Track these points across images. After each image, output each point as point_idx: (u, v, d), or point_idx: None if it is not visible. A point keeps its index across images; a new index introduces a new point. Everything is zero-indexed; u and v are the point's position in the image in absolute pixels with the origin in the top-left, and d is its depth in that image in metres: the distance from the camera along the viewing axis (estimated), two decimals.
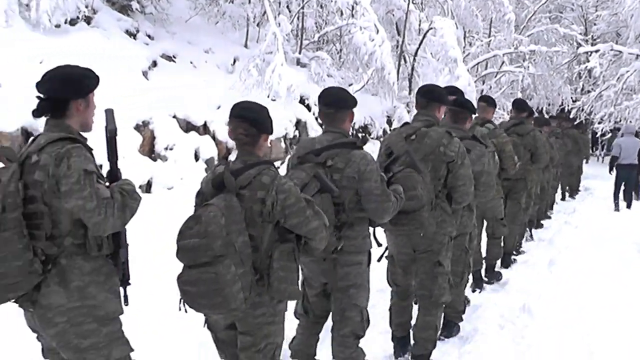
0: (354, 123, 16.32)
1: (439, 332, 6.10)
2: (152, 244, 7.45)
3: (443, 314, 6.10)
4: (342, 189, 4.54)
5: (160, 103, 12.08)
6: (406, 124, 5.85)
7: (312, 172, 4.43)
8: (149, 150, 11.67)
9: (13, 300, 3.45)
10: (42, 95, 3.55)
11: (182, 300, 3.77)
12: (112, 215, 3.41)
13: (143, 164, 11.06)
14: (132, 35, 13.78)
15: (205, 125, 12.84)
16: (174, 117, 12.41)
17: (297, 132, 14.85)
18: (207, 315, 4.04)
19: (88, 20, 12.99)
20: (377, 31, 15.98)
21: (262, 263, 3.81)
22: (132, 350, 3.68)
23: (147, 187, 10.86)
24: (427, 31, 18.88)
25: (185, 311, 3.81)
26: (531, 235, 11.91)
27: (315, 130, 15.16)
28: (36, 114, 3.56)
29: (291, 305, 4.46)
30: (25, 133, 9.88)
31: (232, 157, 5.05)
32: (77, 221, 3.44)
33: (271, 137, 10.47)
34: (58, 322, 3.46)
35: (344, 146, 4.65)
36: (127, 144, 10.97)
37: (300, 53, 17.22)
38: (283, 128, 14.17)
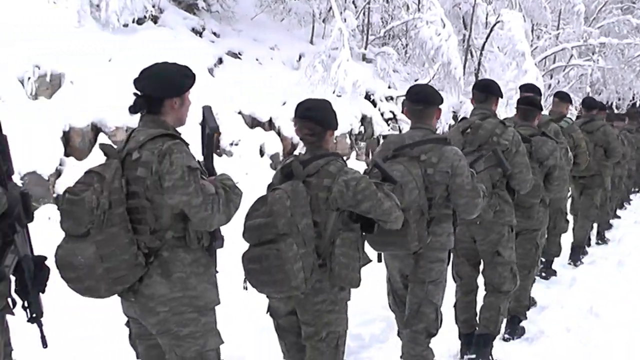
0: None
1: (504, 327, 6.05)
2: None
3: (507, 308, 6.00)
4: (433, 184, 4.65)
5: (225, 99, 12.20)
6: (464, 119, 5.95)
7: (410, 165, 4.60)
8: (215, 145, 11.80)
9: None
10: (138, 92, 3.62)
11: (245, 279, 3.93)
12: (218, 211, 3.49)
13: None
14: (198, 33, 13.95)
15: (270, 121, 12.93)
16: (240, 113, 12.52)
17: (362, 128, 14.81)
18: (270, 298, 4.12)
19: (155, 20, 13.20)
20: (444, 25, 15.84)
21: (325, 249, 3.92)
22: (222, 342, 3.75)
23: None
24: (495, 24, 18.61)
25: (245, 288, 3.96)
26: (603, 238, 11.50)
27: (380, 125, 15.11)
28: (132, 110, 3.62)
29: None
30: (95, 128, 10.14)
31: (298, 152, 5.11)
32: (177, 215, 3.51)
33: (336, 133, 10.53)
34: (160, 311, 3.55)
35: (436, 142, 4.74)
36: (192, 139, 11.11)
37: (365, 48, 17.18)
38: (348, 124, 14.14)
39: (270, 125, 12.94)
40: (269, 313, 4.22)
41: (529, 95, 6.54)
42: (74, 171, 8.34)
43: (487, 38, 19.11)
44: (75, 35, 11.19)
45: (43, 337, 3.41)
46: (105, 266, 3.38)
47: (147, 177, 3.45)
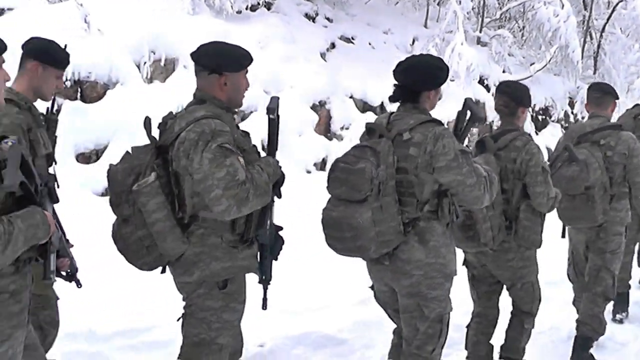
0: (534, 104, 15.85)
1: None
2: None
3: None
4: (613, 165, 5.41)
5: (337, 84, 12.27)
6: (637, 105, 6.66)
7: (592, 149, 5.35)
8: (325, 129, 11.91)
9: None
10: (397, 83, 4.01)
11: None
12: (487, 191, 3.97)
13: (318, 143, 11.30)
14: (312, 18, 14.05)
15: (382, 105, 12.91)
16: (351, 97, 12.56)
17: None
18: (465, 252, 4.81)
19: (268, 6, 13.39)
20: (563, 6, 15.45)
21: (512, 213, 4.60)
22: (452, 309, 4.12)
23: (322, 165, 11.14)
24: (617, 4, 17.98)
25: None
26: None
27: (493, 111, 14.81)
28: (392, 99, 4.06)
29: None
30: None
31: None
32: (435, 191, 3.90)
33: (448, 118, 10.46)
34: (414, 274, 3.92)
35: (613, 128, 5.49)
36: (303, 123, 11.27)
37: (480, 31, 16.86)
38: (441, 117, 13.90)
39: (381, 109, 12.92)
40: (464, 265, 4.88)
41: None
42: None
43: (608, 19, 18.46)
44: (189, 22, 11.54)
45: (265, 300, 3.83)
46: (376, 230, 3.78)
47: (419, 156, 3.81)
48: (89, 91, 10.14)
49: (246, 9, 12.82)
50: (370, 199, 3.74)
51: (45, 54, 4.01)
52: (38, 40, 4.11)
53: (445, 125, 4.02)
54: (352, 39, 14.34)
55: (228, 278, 3.62)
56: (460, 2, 14.48)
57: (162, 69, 10.70)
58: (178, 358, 3.75)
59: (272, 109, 3.75)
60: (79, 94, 10.17)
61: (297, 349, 5.45)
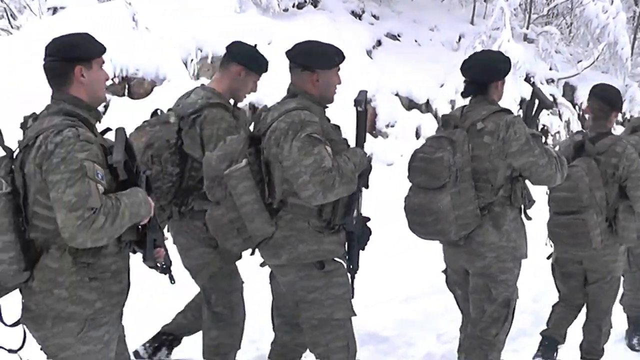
0: (581, 102, 15.65)
1: None
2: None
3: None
4: None
5: (383, 81, 12.27)
6: None
7: None
8: (370, 126, 11.91)
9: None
10: (466, 79, 4.37)
11: (547, 243, 5.07)
12: (559, 171, 4.22)
13: None
14: (358, 16, 14.05)
15: (427, 103, 12.89)
16: (397, 94, 12.55)
17: (520, 112, 14.44)
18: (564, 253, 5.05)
19: (315, 4, 13.44)
20: (612, 2, 15.19)
21: (609, 214, 4.85)
22: (518, 297, 4.42)
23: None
24: None
25: (551, 245, 5.07)
26: None
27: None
28: (465, 95, 4.40)
29: None
30: (253, 107, 10.52)
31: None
32: (507, 177, 4.21)
33: None
34: (487, 256, 4.23)
35: None
36: (348, 120, 11.27)
37: (527, 28, 16.67)
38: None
39: (427, 107, 12.90)
40: (554, 262, 5.17)
41: None
42: None
43: None
44: (236, 19, 11.62)
45: (352, 289, 3.97)
46: (455, 213, 4.10)
47: (493, 143, 4.13)
48: (137, 88, 10.30)
49: (293, 6, 12.90)
50: (448, 185, 4.08)
51: (250, 60, 4.37)
52: (243, 45, 4.42)
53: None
54: (398, 36, 14.32)
55: (323, 260, 3.81)
56: None
57: (209, 66, 10.80)
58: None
59: (360, 101, 3.94)
60: (126, 91, 10.33)
61: None
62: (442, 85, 13.04)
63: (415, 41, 14.51)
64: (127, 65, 10.13)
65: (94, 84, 3.16)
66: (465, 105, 4.40)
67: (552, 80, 15.70)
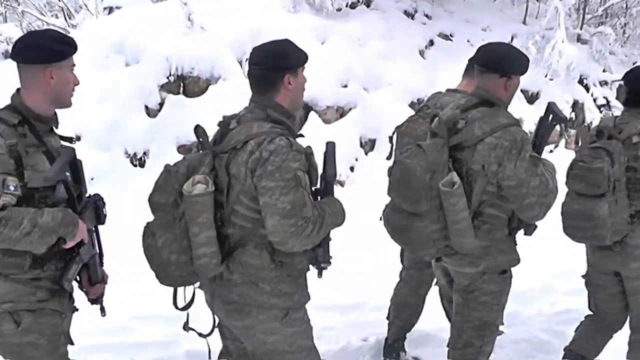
0: None
1: None
2: None
3: None
4: None
5: (435, 81, 12.21)
6: None
7: None
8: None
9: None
10: (628, 89, 4.52)
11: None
12: None
13: None
14: (410, 15, 14.01)
15: None
16: None
17: (573, 115, 14.27)
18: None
19: (368, 3, 13.43)
20: None
21: None
22: None
23: None
24: None
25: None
26: None
27: (592, 112, 14.48)
28: (625, 103, 4.54)
29: None
30: (307, 107, 10.72)
31: None
32: None
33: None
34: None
35: None
36: (401, 120, 11.25)
37: (581, 28, 16.46)
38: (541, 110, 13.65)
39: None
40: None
41: None
42: None
43: None
44: (289, 19, 11.72)
45: None
46: (611, 220, 4.28)
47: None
48: (192, 86, 10.42)
49: (346, 6, 12.91)
50: (607, 194, 4.26)
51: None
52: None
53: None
54: (451, 36, 14.25)
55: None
56: None
57: None
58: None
59: (555, 112, 3.97)
60: (181, 89, 10.45)
61: None
62: None
63: (468, 41, 14.39)
64: (183, 64, 10.26)
65: (298, 91, 3.34)
66: (617, 116, 4.57)
67: (606, 83, 15.48)
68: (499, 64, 3.85)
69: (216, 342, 3.58)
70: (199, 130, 3.33)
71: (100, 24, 11.58)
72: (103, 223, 3.43)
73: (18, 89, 3.22)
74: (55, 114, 3.28)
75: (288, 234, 3.06)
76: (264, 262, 3.22)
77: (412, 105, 11.66)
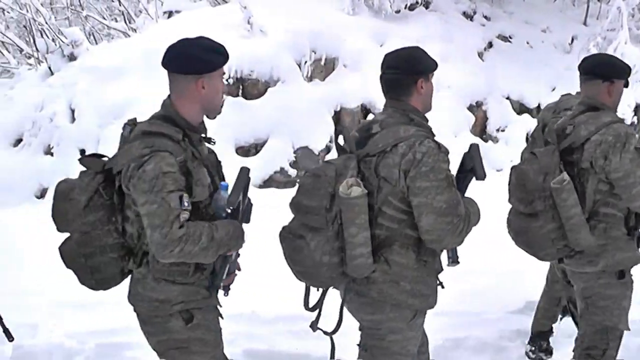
0: None
1: None
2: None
3: None
4: None
5: (494, 84, 12.14)
6: None
7: None
8: (481, 130, 11.82)
9: None
10: None
11: None
12: None
13: None
14: (469, 17, 13.90)
15: (539, 107, 12.61)
16: (507, 98, 12.38)
17: (635, 118, 13.96)
18: None
19: (427, 5, 13.36)
20: None
21: None
22: None
23: None
24: None
25: None
26: None
27: None
28: None
29: None
30: (365, 109, 10.63)
31: None
32: None
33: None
34: None
35: None
36: (460, 123, 11.22)
37: None
38: (620, 113, 13.36)
39: (538, 111, 12.62)
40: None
41: None
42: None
43: None
44: (348, 21, 11.74)
45: None
46: None
47: None
48: (250, 88, 10.49)
49: (405, 8, 12.85)
50: None
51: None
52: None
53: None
54: (510, 37, 14.08)
55: (625, 269, 4.08)
56: None
57: (322, 68, 10.94)
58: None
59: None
60: (240, 91, 10.53)
61: (456, 351, 5.49)
62: (553, 89, 12.72)
63: (527, 43, 14.22)
64: (242, 67, 10.32)
65: (429, 96, 3.49)
66: None
67: None
68: (600, 69, 4.10)
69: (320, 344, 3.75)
70: (345, 132, 3.48)
71: (160, 28, 11.72)
72: (248, 222, 3.50)
73: (169, 96, 3.27)
74: (203, 121, 3.35)
75: (445, 232, 3.21)
76: (410, 261, 3.36)
77: (470, 108, 11.58)
